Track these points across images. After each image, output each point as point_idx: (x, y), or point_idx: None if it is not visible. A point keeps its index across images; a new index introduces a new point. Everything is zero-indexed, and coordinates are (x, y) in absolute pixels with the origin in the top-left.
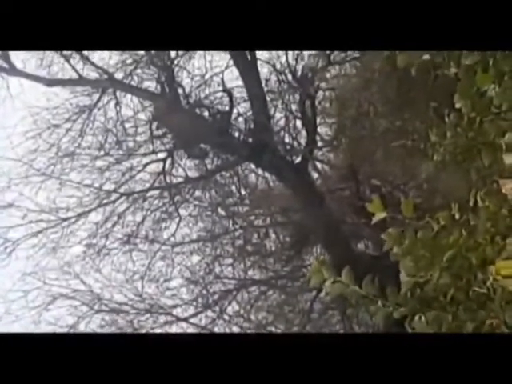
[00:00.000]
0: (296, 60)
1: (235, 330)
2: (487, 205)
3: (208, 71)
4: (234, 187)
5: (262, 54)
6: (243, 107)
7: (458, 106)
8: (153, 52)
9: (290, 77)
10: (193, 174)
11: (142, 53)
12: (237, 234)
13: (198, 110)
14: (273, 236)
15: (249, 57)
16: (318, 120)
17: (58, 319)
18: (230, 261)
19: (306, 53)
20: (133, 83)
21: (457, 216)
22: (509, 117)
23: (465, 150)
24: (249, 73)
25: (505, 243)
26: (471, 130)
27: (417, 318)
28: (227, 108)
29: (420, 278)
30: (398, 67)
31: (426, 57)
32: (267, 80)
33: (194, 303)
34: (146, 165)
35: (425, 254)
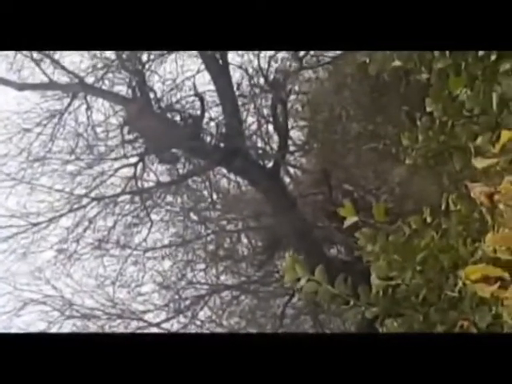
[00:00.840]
0: (268, 64)
1: None
2: (459, 208)
3: (179, 75)
4: (205, 192)
5: (233, 58)
6: (215, 111)
7: (429, 109)
8: (124, 56)
9: (261, 81)
10: (164, 178)
11: (113, 57)
12: (209, 238)
13: (169, 115)
14: (245, 241)
15: (220, 61)
16: (290, 124)
17: (29, 325)
18: (202, 266)
19: (278, 56)
20: (104, 87)
21: (428, 220)
22: (481, 121)
23: (436, 154)
24: (220, 77)
25: (476, 246)
26: (443, 133)
27: (388, 318)
28: (199, 112)
29: (391, 281)
30: (370, 74)
31: (397, 63)
32: (239, 84)
33: (166, 308)
34: (117, 169)
35: (396, 257)
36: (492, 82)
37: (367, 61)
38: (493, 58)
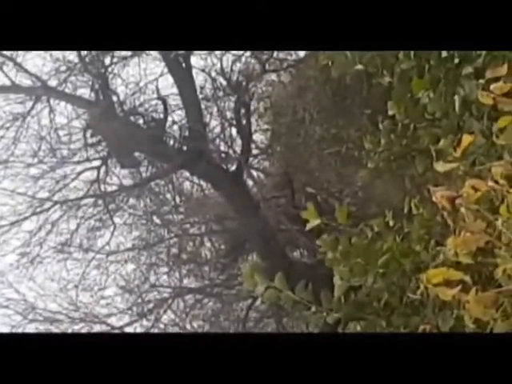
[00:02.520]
0: (231, 67)
1: None
2: (421, 212)
3: (142, 78)
4: (168, 195)
5: (197, 62)
6: (178, 115)
7: (391, 113)
8: (87, 59)
9: (224, 84)
10: (127, 182)
11: (75, 60)
12: (172, 242)
13: (132, 118)
14: (208, 244)
15: (184, 64)
16: (253, 128)
17: None
18: (165, 269)
19: (241, 59)
20: (67, 90)
21: (391, 223)
22: (443, 124)
23: (399, 158)
24: (184, 80)
25: (438, 250)
26: (405, 137)
27: (351, 323)
28: (162, 116)
29: (354, 283)
30: (333, 77)
31: (359, 67)
32: (202, 87)
33: (129, 312)
34: (80, 173)
35: (359, 259)
36: (454, 85)
37: (329, 63)
38: (456, 60)
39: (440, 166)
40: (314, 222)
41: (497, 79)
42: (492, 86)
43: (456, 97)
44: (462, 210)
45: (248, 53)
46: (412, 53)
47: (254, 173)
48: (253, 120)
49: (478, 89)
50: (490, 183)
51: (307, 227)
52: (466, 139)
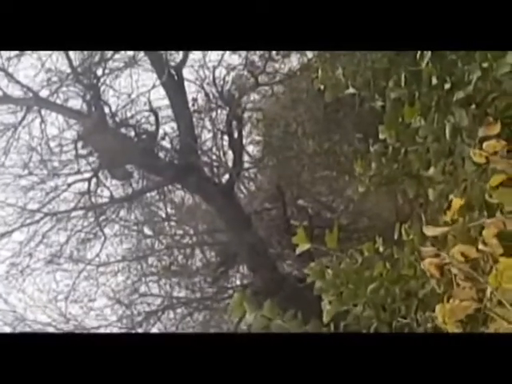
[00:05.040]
0: (223, 80)
1: None
2: (411, 238)
3: (134, 90)
4: (160, 205)
5: (189, 73)
6: (170, 127)
7: (382, 136)
8: (79, 70)
9: (217, 96)
10: (118, 194)
11: (67, 70)
12: (162, 253)
13: (123, 130)
14: (199, 256)
15: (176, 76)
16: (245, 140)
17: None
18: (155, 280)
19: (234, 72)
20: (58, 101)
21: (381, 249)
22: (434, 148)
23: (389, 181)
24: (176, 92)
25: (428, 277)
26: (396, 160)
27: None
28: (153, 128)
29: (343, 309)
30: (326, 101)
31: (351, 90)
32: (194, 100)
33: (119, 324)
34: (70, 184)
35: (348, 286)
36: (446, 112)
37: (322, 88)
38: (446, 86)
39: (430, 231)
40: (304, 246)
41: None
42: (485, 145)
43: (447, 123)
44: (453, 276)
45: (240, 66)
46: (403, 80)
47: (246, 185)
48: (245, 133)
49: (469, 115)
50: (481, 246)
51: (297, 251)
52: (456, 203)
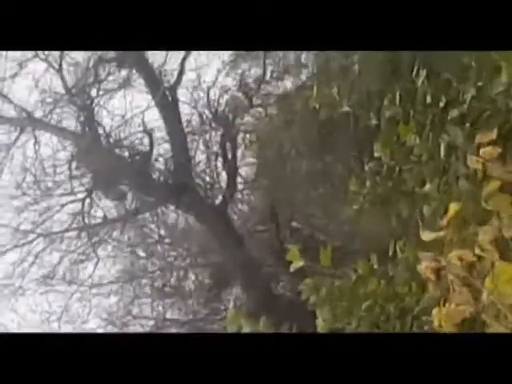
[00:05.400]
0: (217, 101)
1: None
2: (406, 256)
3: (128, 111)
4: (153, 226)
5: (183, 95)
6: (163, 148)
7: (377, 155)
8: (73, 91)
9: (211, 117)
10: (111, 214)
11: (61, 91)
12: (155, 275)
13: (117, 150)
14: (192, 277)
15: (170, 97)
16: (239, 161)
17: None
18: (148, 302)
19: (228, 93)
20: (52, 122)
21: (375, 266)
22: (428, 166)
23: (384, 199)
24: (170, 113)
25: (423, 294)
26: (390, 179)
27: None
28: (147, 148)
29: (337, 326)
30: (321, 119)
31: (346, 109)
32: (188, 121)
33: None
34: (64, 205)
35: (342, 303)
36: (440, 131)
37: (317, 106)
38: (441, 105)
39: (426, 236)
40: (298, 263)
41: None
42: (481, 151)
43: (441, 141)
44: (449, 281)
45: (234, 87)
46: (398, 99)
47: (239, 206)
48: (239, 154)
49: (463, 134)
50: (477, 251)
51: (291, 269)
52: (453, 208)
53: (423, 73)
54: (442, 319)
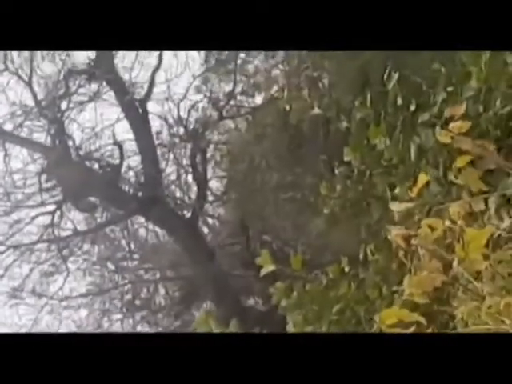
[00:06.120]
0: (188, 114)
1: None
2: (376, 258)
3: (99, 124)
4: (123, 241)
5: (153, 107)
6: (134, 160)
7: (347, 159)
8: (43, 103)
9: (181, 130)
10: (82, 227)
11: (31, 104)
12: (126, 288)
13: (88, 163)
14: (162, 291)
15: (140, 110)
16: (209, 174)
17: None
18: (118, 316)
19: (198, 106)
20: (22, 135)
21: (346, 269)
22: (399, 170)
23: (354, 204)
24: (140, 126)
25: (393, 297)
26: (361, 183)
27: None
28: (118, 161)
29: (308, 330)
30: (290, 122)
31: (317, 111)
32: (158, 133)
33: None
34: (34, 217)
35: (313, 307)
36: (411, 133)
37: (287, 108)
38: (412, 108)
39: (395, 206)
40: (269, 267)
41: (456, 118)
42: (451, 125)
43: (412, 144)
44: (419, 249)
45: (205, 100)
46: (368, 101)
47: (210, 220)
48: (209, 167)
49: (434, 136)
50: (447, 223)
51: (261, 273)
52: (422, 178)
53: (395, 75)
54: (413, 287)
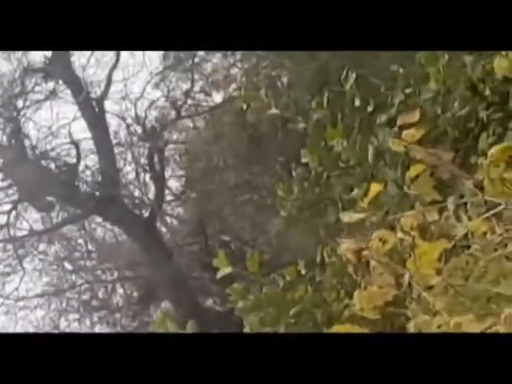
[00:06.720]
0: (145, 113)
1: None
2: (333, 261)
3: (55, 123)
4: (80, 240)
5: (110, 106)
6: (91, 159)
7: (305, 160)
8: None
9: (139, 130)
10: (38, 226)
11: None
12: (83, 288)
13: (44, 162)
14: (120, 291)
15: (97, 109)
16: (167, 174)
17: None
18: (76, 316)
19: (156, 105)
20: None
21: (303, 272)
22: (356, 172)
23: (312, 206)
24: (97, 125)
25: (349, 302)
26: (318, 185)
27: None
28: (74, 160)
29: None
30: (248, 121)
31: (274, 111)
32: (116, 132)
33: None
34: None
35: (270, 310)
36: (368, 134)
37: (244, 107)
38: (369, 109)
39: (347, 217)
40: (226, 270)
41: (409, 126)
42: (404, 133)
43: (370, 146)
44: (372, 262)
45: (163, 98)
46: (325, 101)
47: (168, 219)
48: (167, 166)
49: (392, 138)
50: (400, 234)
51: (218, 275)
52: (374, 188)
53: (353, 76)
54: (364, 302)
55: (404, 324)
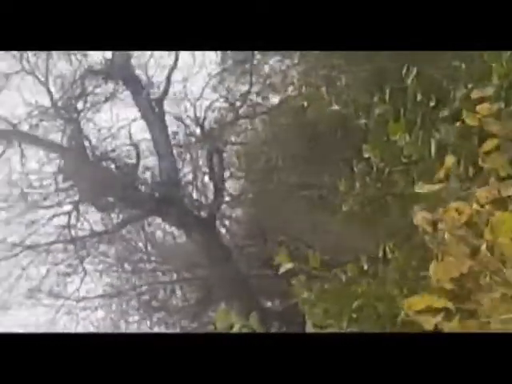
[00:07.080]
0: (204, 114)
1: None
2: (396, 256)
3: (115, 124)
4: (140, 243)
5: (169, 106)
6: (150, 160)
7: (366, 155)
8: (59, 104)
9: (198, 131)
10: (98, 227)
11: (48, 105)
12: (143, 289)
13: (104, 163)
14: (179, 292)
15: (156, 109)
16: (226, 174)
17: None
18: (135, 317)
19: (215, 106)
20: (38, 135)
21: (365, 267)
22: (419, 167)
23: (373, 201)
24: (156, 126)
25: (413, 295)
26: (380, 180)
27: None
28: (134, 161)
29: (328, 326)
30: (307, 120)
31: (335, 107)
32: (175, 133)
33: None
34: (50, 218)
35: (333, 304)
36: (431, 129)
37: (305, 104)
38: (431, 104)
39: (422, 188)
40: (287, 265)
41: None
42: (478, 107)
43: (432, 140)
44: (446, 234)
45: (221, 99)
46: (387, 96)
47: (227, 220)
48: (225, 167)
49: (454, 132)
50: (475, 206)
51: (280, 271)
52: (450, 159)
53: (414, 71)
54: (439, 273)
55: (480, 298)
